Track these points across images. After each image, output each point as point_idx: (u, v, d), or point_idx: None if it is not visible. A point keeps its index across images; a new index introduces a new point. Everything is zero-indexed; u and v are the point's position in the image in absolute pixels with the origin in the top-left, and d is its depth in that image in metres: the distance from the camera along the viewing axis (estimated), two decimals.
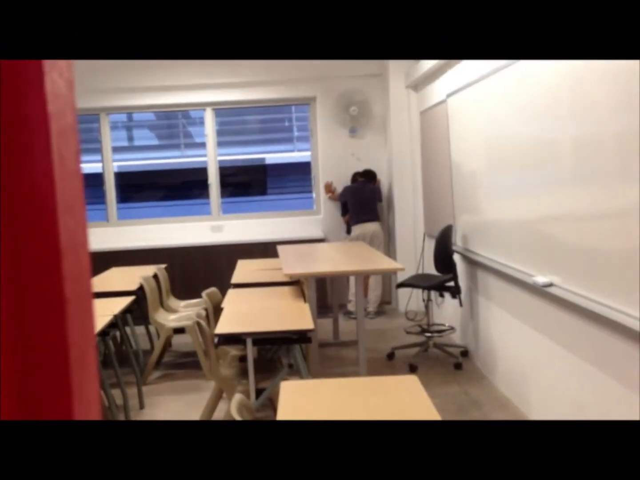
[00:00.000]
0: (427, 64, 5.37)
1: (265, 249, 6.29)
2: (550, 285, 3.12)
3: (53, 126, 0.44)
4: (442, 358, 4.83)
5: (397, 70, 6.30)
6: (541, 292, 3.33)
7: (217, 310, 3.89)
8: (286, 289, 4.19)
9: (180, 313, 5.09)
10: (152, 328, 5.10)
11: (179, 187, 7.19)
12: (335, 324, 5.45)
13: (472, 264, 4.67)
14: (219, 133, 6.88)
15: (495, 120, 3.89)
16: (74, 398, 0.45)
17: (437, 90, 5.42)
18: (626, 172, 2.41)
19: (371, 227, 6.21)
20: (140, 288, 4.64)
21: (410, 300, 6.12)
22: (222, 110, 6.87)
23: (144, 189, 7.21)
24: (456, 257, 4.87)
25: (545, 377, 3.44)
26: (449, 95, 4.86)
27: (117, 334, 4.37)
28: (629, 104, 2.36)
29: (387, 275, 6.54)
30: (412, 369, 4.59)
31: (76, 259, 0.44)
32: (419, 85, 6.14)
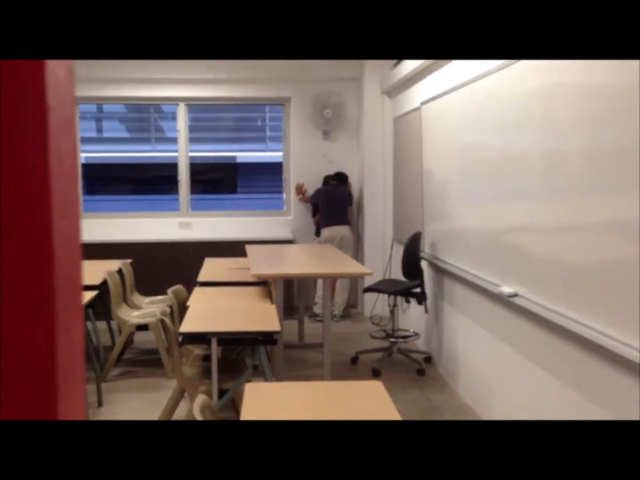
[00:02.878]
0: (403, 71, 5.40)
1: (233, 248, 6.23)
2: (515, 295, 3.17)
3: (52, 120, 0.40)
4: (406, 364, 4.87)
5: (373, 75, 6.33)
6: (506, 302, 3.38)
7: (182, 308, 3.84)
8: (253, 289, 4.17)
9: (144, 310, 5.01)
10: (114, 324, 5.01)
11: (148, 182, 7.09)
12: (301, 325, 5.43)
13: (439, 271, 4.72)
14: (191, 129, 6.81)
15: (467, 130, 3.93)
16: (60, 397, 0.43)
17: (412, 97, 5.45)
18: (593, 187, 2.46)
19: (340, 230, 6.22)
20: (104, 283, 4.55)
21: (376, 305, 6.14)
22: (195, 106, 6.80)
23: (112, 181, 7.08)
24: (423, 264, 4.91)
25: (507, 386, 3.49)
26: (423, 103, 4.90)
27: None
28: (597, 120, 2.41)
29: (354, 279, 6.55)
30: (376, 374, 4.61)
31: (68, 270, 0.41)
32: (394, 91, 6.18)
